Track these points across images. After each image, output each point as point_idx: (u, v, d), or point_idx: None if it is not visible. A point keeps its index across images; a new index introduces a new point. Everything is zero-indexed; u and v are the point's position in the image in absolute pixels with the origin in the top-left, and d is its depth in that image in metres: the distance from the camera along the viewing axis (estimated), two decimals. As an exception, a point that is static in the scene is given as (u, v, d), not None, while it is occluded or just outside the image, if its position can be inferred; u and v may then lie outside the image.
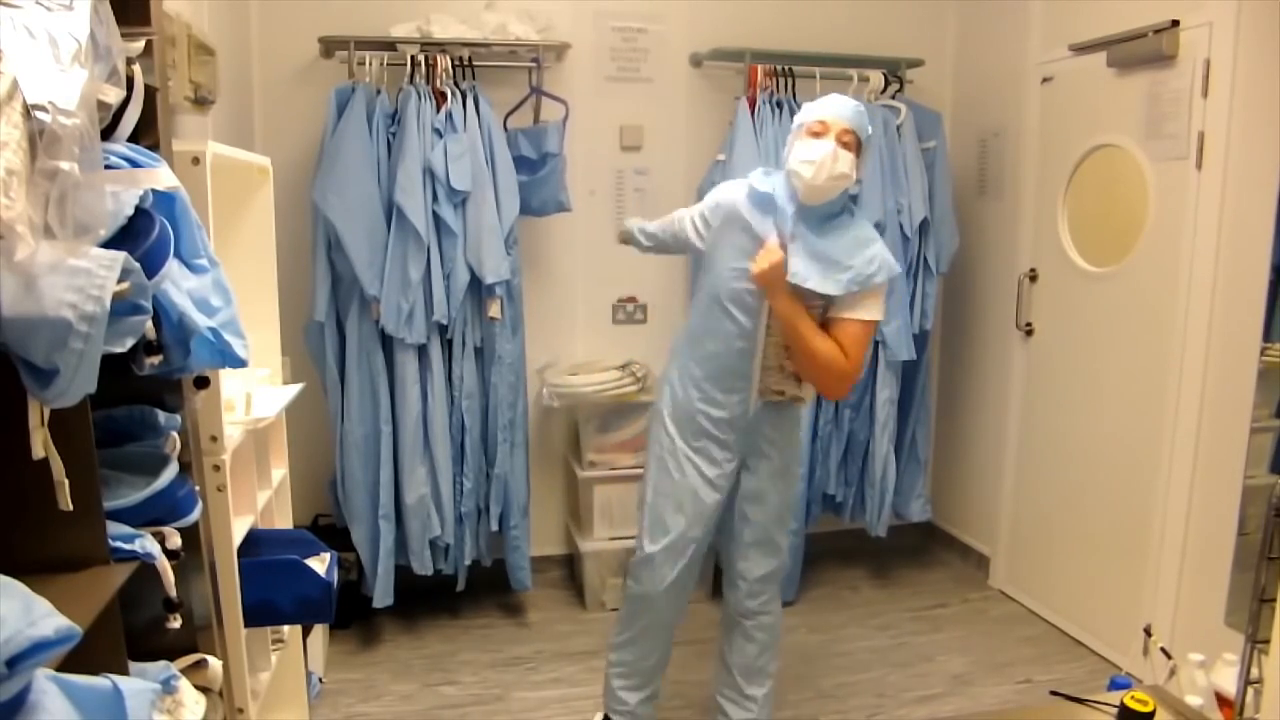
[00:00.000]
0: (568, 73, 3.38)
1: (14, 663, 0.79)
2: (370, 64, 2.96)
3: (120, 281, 0.95)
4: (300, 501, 2.72)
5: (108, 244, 1.01)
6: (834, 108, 2.07)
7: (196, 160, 1.64)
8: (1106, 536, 3.02)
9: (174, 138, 1.51)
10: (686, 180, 3.43)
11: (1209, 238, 2.59)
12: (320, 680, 2.80)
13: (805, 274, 2.04)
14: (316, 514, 3.28)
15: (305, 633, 2.54)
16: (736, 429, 2.22)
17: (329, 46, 3.10)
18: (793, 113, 3.22)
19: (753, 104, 3.20)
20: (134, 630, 1.24)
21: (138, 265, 1.01)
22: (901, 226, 3.27)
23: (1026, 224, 3.37)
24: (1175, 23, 2.64)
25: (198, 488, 1.48)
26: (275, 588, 1.86)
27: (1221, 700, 2.13)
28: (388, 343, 2.98)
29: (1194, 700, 2.00)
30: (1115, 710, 1.38)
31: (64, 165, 0.88)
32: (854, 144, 2.04)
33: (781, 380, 2.18)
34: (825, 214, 2.09)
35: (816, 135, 2.04)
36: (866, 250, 2.07)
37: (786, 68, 3.27)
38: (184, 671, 1.39)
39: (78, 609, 0.98)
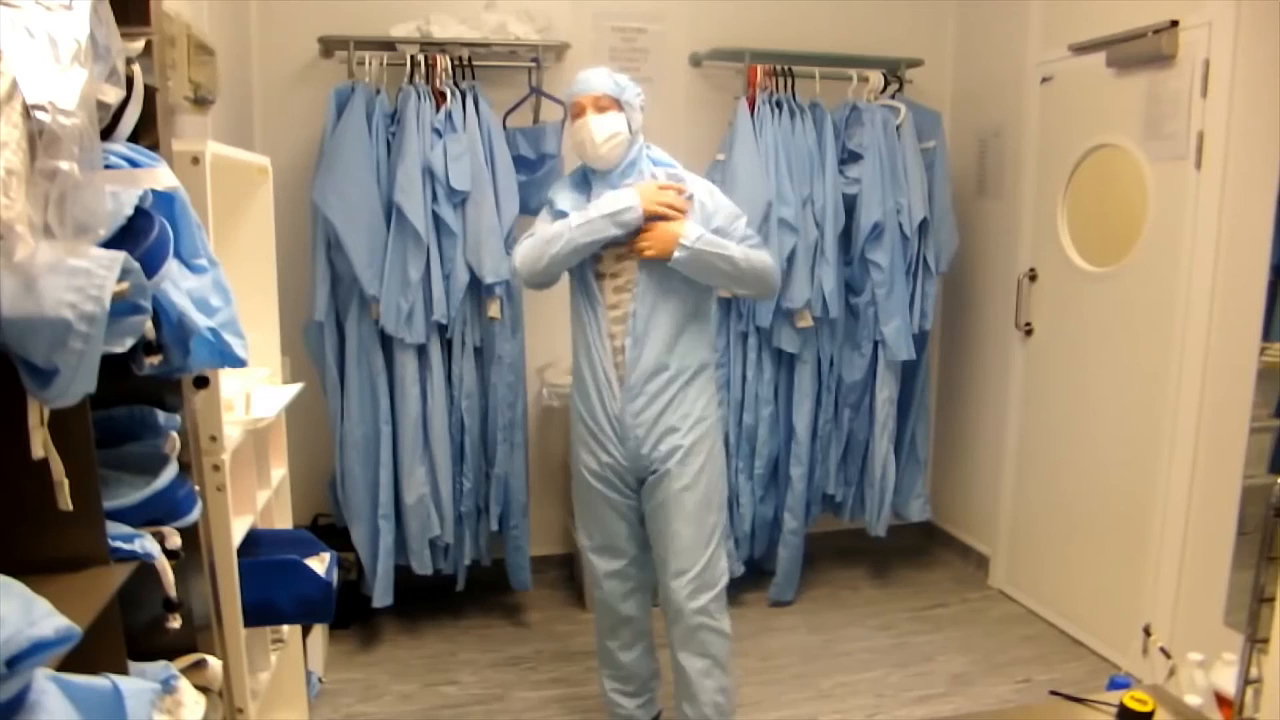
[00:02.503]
0: (567, 73, 3.37)
1: (14, 663, 0.79)
2: (370, 64, 2.96)
3: (120, 281, 0.95)
4: (300, 501, 2.73)
5: (107, 244, 1.01)
6: (580, 84, 2.19)
7: (196, 160, 1.64)
8: (1106, 536, 3.02)
9: (174, 138, 1.51)
10: (686, 180, 3.42)
11: (1208, 237, 2.59)
12: (320, 680, 2.80)
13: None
14: (316, 514, 3.28)
15: (305, 633, 2.54)
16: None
17: (329, 46, 3.10)
18: (793, 113, 3.23)
19: (752, 104, 3.20)
20: (134, 630, 1.24)
21: (137, 265, 1.01)
22: (901, 226, 3.27)
23: (1026, 224, 3.37)
24: (1175, 23, 2.64)
25: (197, 488, 1.48)
26: (275, 588, 1.86)
27: (1221, 700, 2.13)
28: (387, 343, 2.98)
29: (1193, 700, 2.00)
30: (1115, 710, 1.38)
31: (63, 165, 0.88)
32: (611, 104, 2.16)
33: None
34: (624, 173, 2.20)
35: (578, 116, 2.17)
36: (692, 185, 2.23)
37: (786, 68, 3.27)
38: (184, 671, 1.38)
39: (78, 609, 0.98)
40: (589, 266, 2.22)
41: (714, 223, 2.20)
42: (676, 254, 2.10)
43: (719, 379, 3.24)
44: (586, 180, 2.25)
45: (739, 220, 2.27)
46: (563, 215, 2.20)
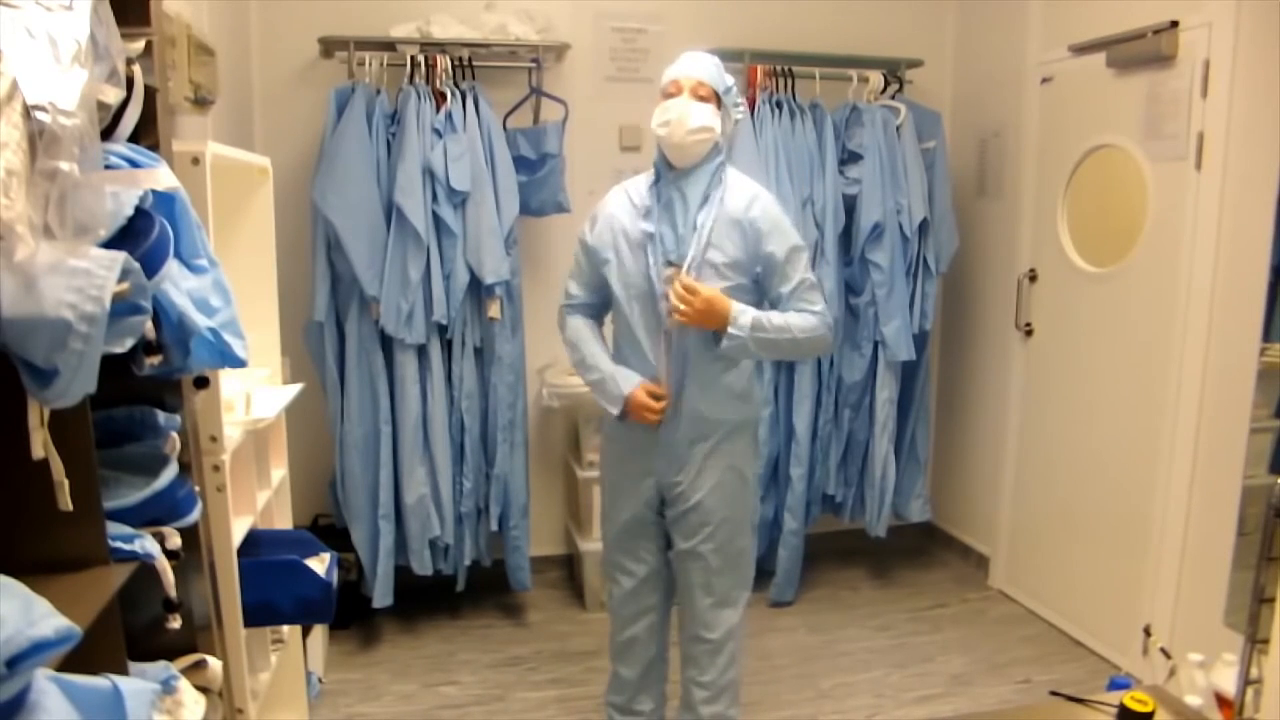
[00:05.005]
0: (567, 73, 3.38)
1: (14, 663, 0.79)
2: (370, 64, 2.96)
3: (120, 281, 0.95)
4: (300, 501, 2.73)
5: (107, 244, 1.01)
6: (684, 65, 2.04)
7: (196, 160, 1.64)
8: (1106, 536, 3.02)
9: (174, 138, 1.51)
10: (686, 180, 3.42)
11: (1208, 238, 2.59)
12: (320, 680, 2.80)
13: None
14: (316, 514, 3.28)
15: (305, 633, 2.54)
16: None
17: (329, 47, 3.10)
18: (793, 114, 3.24)
19: (752, 104, 3.20)
20: (134, 630, 1.24)
21: (137, 265, 1.01)
22: (901, 226, 3.27)
23: (1026, 224, 3.37)
24: (1174, 23, 2.64)
25: (197, 488, 1.48)
26: (275, 588, 1.86)
27: (1221, 700, 2.13)
28: (387, 343, 2.98)
29: (1193, 700, 2.00)
30: (1115, 710, 1.38)
31: (64, 165, 0.88)
32: (711, 96, 2.01)
33: None
34: (700, 180, 2.04)
35: (672, 95, 2.02)
36: (757, 204, 2.05)
37: (786, 68, 3.27)
38: (184, 672, 1.38)
39: (78, 609, 0.98)
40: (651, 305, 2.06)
41: (766, 246, 2.03)
42: (724, 342, 1.96)
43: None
44: (659, 180, 2.07)
45: (798, 256, 2.05)
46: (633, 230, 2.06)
